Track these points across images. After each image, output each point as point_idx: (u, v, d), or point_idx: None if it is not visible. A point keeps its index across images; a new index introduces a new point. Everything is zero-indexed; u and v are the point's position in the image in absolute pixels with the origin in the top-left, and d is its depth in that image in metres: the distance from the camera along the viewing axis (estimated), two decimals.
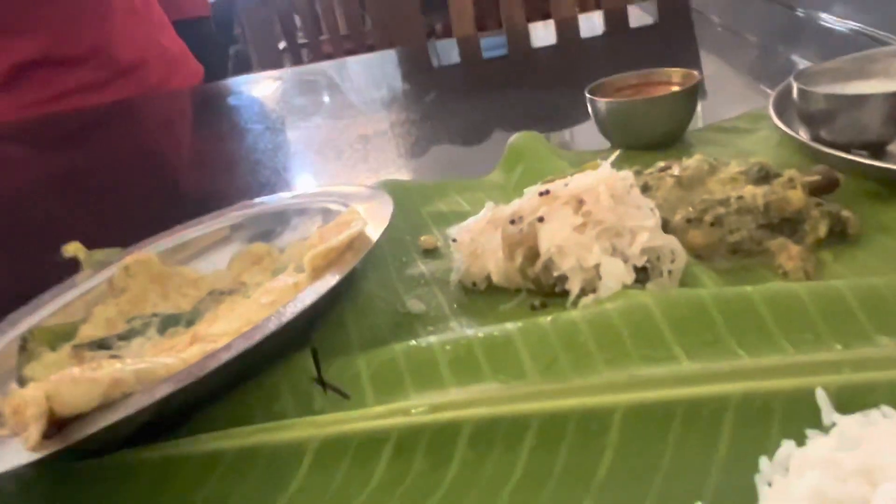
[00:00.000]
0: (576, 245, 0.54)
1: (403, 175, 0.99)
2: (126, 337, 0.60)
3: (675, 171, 0.63)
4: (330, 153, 1.15)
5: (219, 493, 0.43)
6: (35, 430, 0.42)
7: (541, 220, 0.56)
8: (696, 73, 0.81)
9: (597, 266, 0.53)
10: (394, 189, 0.71)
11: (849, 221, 0.57)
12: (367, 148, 1.13)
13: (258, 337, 0.47)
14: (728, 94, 1.07)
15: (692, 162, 0.64)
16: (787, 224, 0.58)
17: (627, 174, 0.58)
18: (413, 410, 0.45)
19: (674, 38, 1.46)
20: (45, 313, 0.61)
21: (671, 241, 0.54)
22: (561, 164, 0.73)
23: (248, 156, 1.21)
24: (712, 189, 0.61)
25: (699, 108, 0.83)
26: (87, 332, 0.61)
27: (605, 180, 0.57)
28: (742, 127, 0.82)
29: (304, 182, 1.10)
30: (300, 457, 0.44)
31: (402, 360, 0.49)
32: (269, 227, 0.71)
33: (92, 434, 0.43)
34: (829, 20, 1.32)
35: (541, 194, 0.58)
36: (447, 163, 1.06)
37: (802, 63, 1.17)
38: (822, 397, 0.40)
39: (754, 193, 0.58)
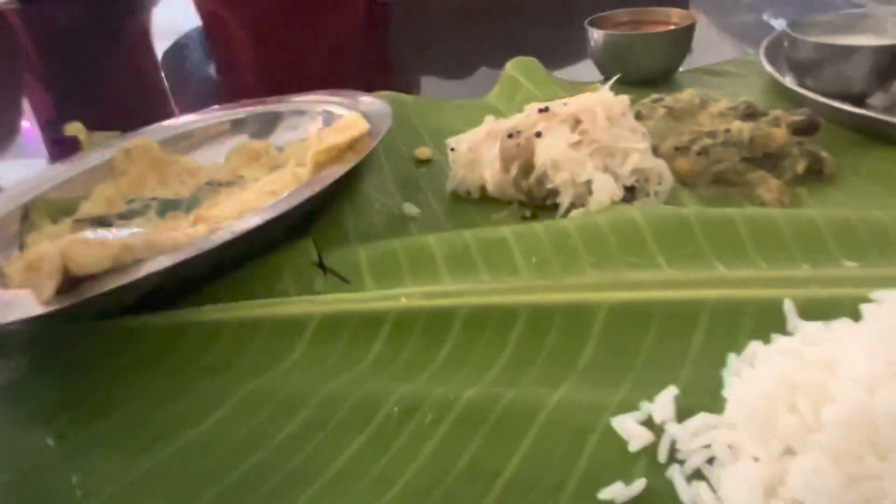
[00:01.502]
0: (570, 161, 0.57)
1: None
2: (126, 216, 0.62)
3: (668, 102, 0.66)
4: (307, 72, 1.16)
5: (222, 359, 0.46)
6: (49, 285, 0.44)
7: (538, 135, 0.59)
8: (693, 14, 0.83)
9: (588, 182, 0.56)
10: (392, 102, 0.72)
11: (825, 162, 0.61)
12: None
13: (265, 217, 0.49)
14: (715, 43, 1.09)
15: (684, 95, 0.66)
16: (769, 159, 0.61)
17: (624, 98, 0.60)
18: (410, 295, 0.48)
19: None
20: (46, 187, 0.62)
21: (660, 165, 0.57)
22: (557, 91, 0.75)
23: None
24: (702, 122, 0.64)
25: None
26: (88, 208, 0.62)
27: (602, 102, 0.59)
28: (732, 71, 0.84)
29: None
30: (301, 330, 0.47)
31: (400, 253, 0.52)
32: (267, 126, 0.72)
33: (102, 294, 0.44)
34: None
35: (540, 111, 0.60)
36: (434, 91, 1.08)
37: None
38: (789, 307, 0.43)
39: (741, 128, 0.61)
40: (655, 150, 0.61)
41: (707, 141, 0.61)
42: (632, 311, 0.45)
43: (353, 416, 0.41)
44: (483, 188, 0.61)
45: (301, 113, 0.71)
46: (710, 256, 0.49)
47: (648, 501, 0.35)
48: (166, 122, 0.71)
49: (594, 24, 0.84)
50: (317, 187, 0.53)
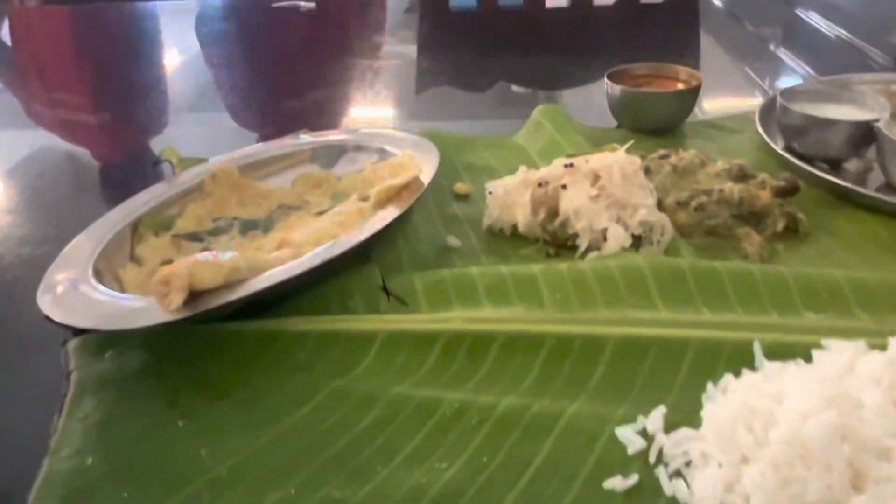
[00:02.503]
0: (589, 211, 0.69)
1: (410, 109, 1.14)
2: (213, 233, 0.74)
3: (673, 160, 0.77)
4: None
5: (309, 360, 0.58)
6: (178, 297, 0.56)
7: (564, 186, 0.70)
8: (699, 74, 0.94)
9: (604, 230, 0.68)
10: (431, 138, 0.84)
11: (801, 222, 0.73)
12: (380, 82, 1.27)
13: (344, 248, 0.61)
14: (720, 81, 1.22)
15: (687, 155, 0.78)
16: (754, 217, 0.73)
17: (636, 160, 0.72)
18: (457, 320, 0.60)
19: (679, 20, 1.58)
20: (151, 205, 0.74)
21: (663, 219, 0.69)
22: (578, 140, 0.87)
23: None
24: (700, 180, 0.76)
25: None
26: (182, 224, 0.74)
27: (618, 162, 0.71)
28: (731, 126, 0.96)
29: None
30: (370, 343, 0.59)
31: (449, 282, 0.64)
32: (329, 157, 0.83)
33: (220, 305, 0.56)
34: (821, 23, 1.47)
35: (566, 166, 0.72)
36: (451, 104, 1.21)
37: (788, 59, 1.32)
38: (757, 348, 0.56)
39: (732, 189, 0.73)
40: (660, 204, 0.73)
41: (703, 198, 0.73)
42: (634, 344, 0.57)
43: (415, 414, 0.53)
44: (514, 227, 0.73)
45: (359, 148, 0.83)
46: (699, 301, 0.61)
47: (640, 492, 0.47)
48: (244, 150, 0.83)
49: (613, 77, 0.95)
50: (381, 223, 0.65)
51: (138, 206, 0.73)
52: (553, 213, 0.71)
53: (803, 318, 0.60)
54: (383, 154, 0.81)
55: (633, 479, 0.47)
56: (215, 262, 0.58)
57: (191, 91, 1.35)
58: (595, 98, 1.02)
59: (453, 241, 0.73)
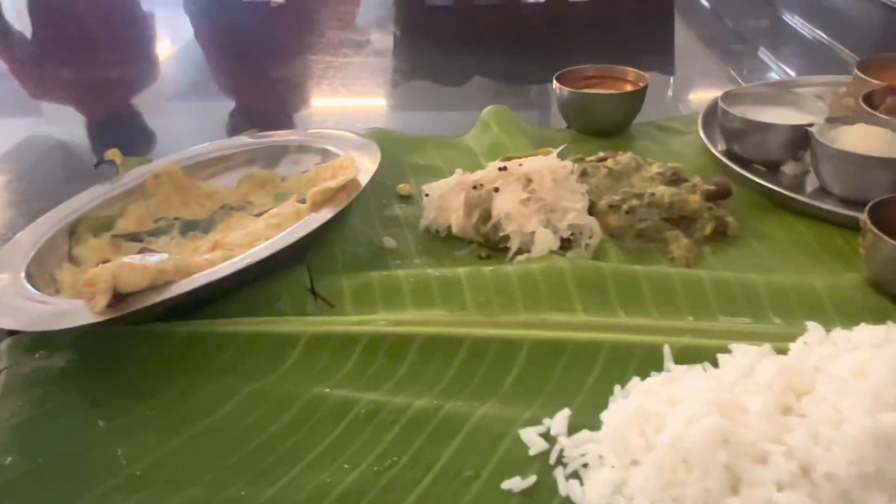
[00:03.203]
0: (520, 214, 0.70)
1: (385, 102, 1.16)
2: (154, 234, 0.75)
3: (610, 163, 0.79)
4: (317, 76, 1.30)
5: (233, 362, 0.59)
6: (102, 300, 0.57)
7: (496, 190, 0.72)
8: (646, 76, 0.96)
9: (533, 232, 0.69)
10: (381, 139, 0.85)
11: (730, 225, 0.74)
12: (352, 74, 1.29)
13: (272, 250, 0.62)
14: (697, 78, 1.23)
15: (623, 158, 0.79)
16: (684, 220, 0.74)
17: (567, 164, 0.73)
18: (379, 322, 0.61)
19: (655, 17, 1.59)
20: (90, 206, 0.75)
21: (592, 222, 0.71)
22: (522, 141, 0.88)
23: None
24: (634, 183, 0.77)
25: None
26: (122, 225, 0.75)
27: (550, 166, 0.72)
28: (677, 128, 0.97)
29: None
30: (294, 344, 0.60)
31: (375, 284, 0.65)
32: (274, 158, 0.84)
33: (142, 308, 0.58)
34: (799, 24, 1.48)
35: (500, 169, 0.73)
36: (425, 97, 1.22)
37: (767, 59, 1.33)
38: (667, 352, 0.57)
39: (663, 192, 0.74)
40: (593, 206, 0.74)
41: (635, 202, 0.74)
42: (548, 347, 0.59)
43: (330, 415, 0.54)
44: (449, 228, 0.75)
45: (304, 149, 0.84)
46: (616, 304, 0.62)
47: (536, 492, 0.49)
48: (190, 151, 0.84)
49: (562, 79, 0.96)
50: (313, 225, 0.66)
51: (79, 207, 0.74)
52: (486, 215, 0.72)
53: (717, 322, 0.61)
54: (325, 155, 0.82)
55: (531, 479, 0.49)
56: (141, 265, 0.59)
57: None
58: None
59: (389, 242, 0.74)
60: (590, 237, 0.70)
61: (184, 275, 0.61)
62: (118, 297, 0.58)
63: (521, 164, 0.73)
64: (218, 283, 0.60)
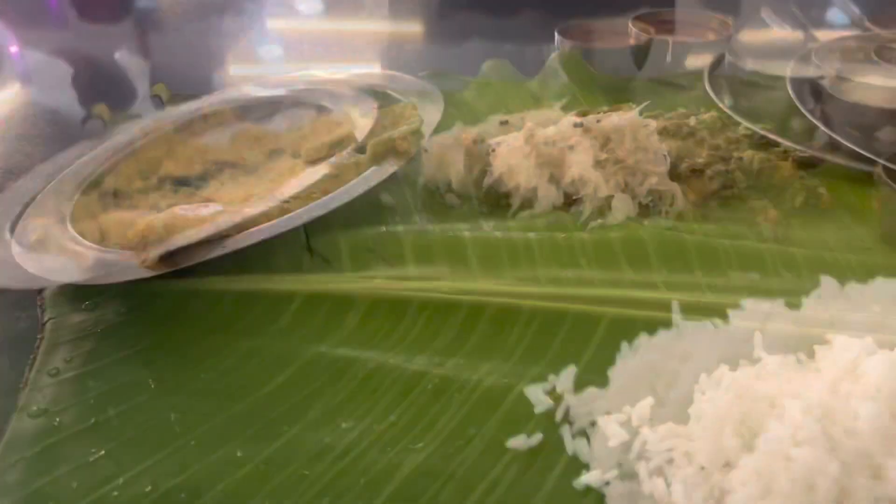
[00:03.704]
0: (595, 177, 0.66)
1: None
2: (144, 191, 0.72)
3: (692, 122, 0.75)
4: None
5: (227, 318, 0.57)
6: (155, 252, 0.55)
7: (571, 148, 0.68)
8: (652, 29, 0.93)
9: (608, 197, 0.66)
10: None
11: (821, 198, 0.69)
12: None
13: (339, 201, 0.61)
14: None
15: (707, 117, 0.75)
16: (772, 188, 0.70)
17: (650, 122, 0.69)
18: (380, 279, 0.59)
19: None
20: (79, 162, 0.72)
21: (674, 188, 0.67)
22: (527, 98, 0.85)
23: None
24: (719, 145, 0.72)
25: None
26: (110, 182, 0.72)
27: (632, 124, 0.68)
28: (682, 84, 0.94)
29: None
30: (289, 303, 0.58)
31: (372, 241, 0.63)
32: (268, 112, 0.82)
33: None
34: None
35: (576, 125, 0.69)
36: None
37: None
38: (675, 307, 0.55)
39: (752, 158, 0.70)
40: (674, 170, 0.69)
41: (720, 167, 0.69)
42: (553, 310, 0.57)
43: (331, 377, 0.53)
44: (449, 185, 0.72)
45: (298, 104, 0.81)
46: (624, 265, 0.60)
47: (542, 450, 0.47)
48: (183, 107, 0.81)
49: (565, 31, 0.93)
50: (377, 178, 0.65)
51: (61, 163, 0.72)
52: (484, 171, 0.70)
53: (729, 278, 0.59)
54: (321, 110, 0.79)
55: (537, 437, 0.47)
56: (196, 216, 0.58)
57: None
58: None
59: (387, 198, 0.72)
60: (671, 204, 0.67)
61: (237, 229, 0.59)
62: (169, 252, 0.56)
63: (598, 121, 0.69)
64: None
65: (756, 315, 0.51)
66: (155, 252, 0.54)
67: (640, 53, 0.92)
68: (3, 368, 0.55)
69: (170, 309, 0.58)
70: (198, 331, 0.57)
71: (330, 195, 0.62)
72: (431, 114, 0.72)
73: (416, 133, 0.69)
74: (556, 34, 0.93)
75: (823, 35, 0.97)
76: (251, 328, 0.57)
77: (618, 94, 0.91)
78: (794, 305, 0.54)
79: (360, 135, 0.70)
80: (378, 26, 1.32)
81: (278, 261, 0.62)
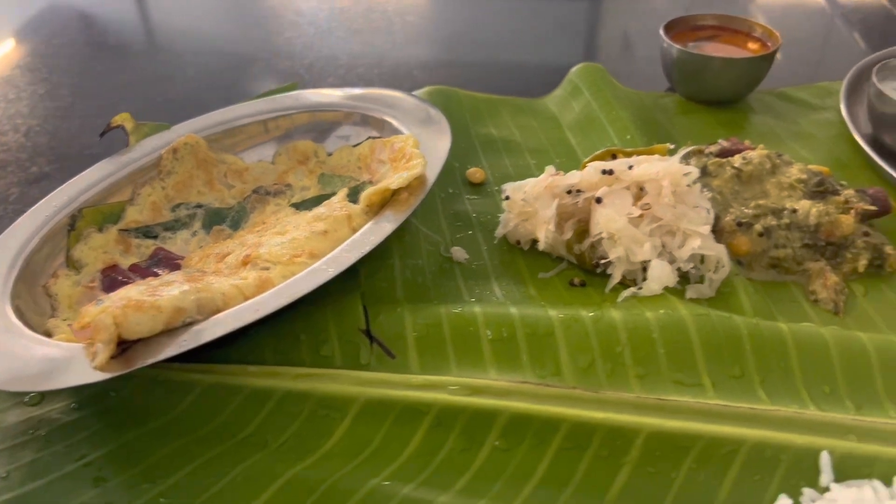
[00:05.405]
0: (629, 237, 0.55)
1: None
2: (171, 228, 0.61)
3: (738, 161, 0.63)
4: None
5: (263, 431, 0.47)
6: (104, 354, 0.44)
7: (599, 200, 0.57)
8: (777, 34, 0.77)
9: (644, 264, 0.55)
10: (443, 101, 0.70)
11: (888, 259, 0.59)
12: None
13: (319, 282, 0.48)
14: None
15: (754, 156, 0.63)
16: (831, 247, 0.59)
17: (692, 170, 0.57)
18: (454, 386, 0.48)
19: None
20: (93, 192, 0.61)
21: (720, 251, 0.55)
22: (622, 115, 0.72)
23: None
24: (769, 191, 0.61)
25: None
26: (134, 215, 0.61)
27: (670, 173, 0.56)
28: (809, 101, 0.80)
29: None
30: (345, 411, 0.48)
31: (446, 328, 0.52)
32: (319, 126, 0.69)
33: (157, 362, 0.45)
34: None
35: (604, 172, 0.58)
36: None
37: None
38: (825, 461, 0.44)
39: (808, 211, 0.59)
40: (717, 222, 0.59)
41: (771, 220, 0.59)
42: (671, 441, 0.45)
43: None
44: (533, 241, 0.60)
45: (352, 117, 0.68)
46: (756, 380, 0.49)
47: None
48: (216, 115, 0.68)
49: (671, 29, 0.78)
50: (368, 246, 0.52)
51: (79, 192, 0.60)
52: (582, 229, 0.58)
53: (887, 417, 0.47)
54: (381, 128, 0.66)
55: None
56: (152, 303, 0.46)
57: None
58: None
59: (459, 253, 0.60)
60: (715, 270, 0.56)
61: (208, 313, 0.48)
62: (124, 344, 0.46)
63: (630, 167, 0.58)
64: (250, 326, 0.47)
65: None
66: (104, 353, 0.44)
67: (762, 66, 0.77)
68: None
69: (128, 402, 0.48)
70: (230, 443, 0.47)
71: (320, 261, 0.51)
72: (438, 149, 0.59)
73: (420, 179, 0.56)
74: (661, 32, 0.78)
75: None
76: (296, 446, 0.47)
77: (724, 110, 0.77)
78: None
79: (431, 174, 0.58)
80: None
81: (330, 348, 0.51)
